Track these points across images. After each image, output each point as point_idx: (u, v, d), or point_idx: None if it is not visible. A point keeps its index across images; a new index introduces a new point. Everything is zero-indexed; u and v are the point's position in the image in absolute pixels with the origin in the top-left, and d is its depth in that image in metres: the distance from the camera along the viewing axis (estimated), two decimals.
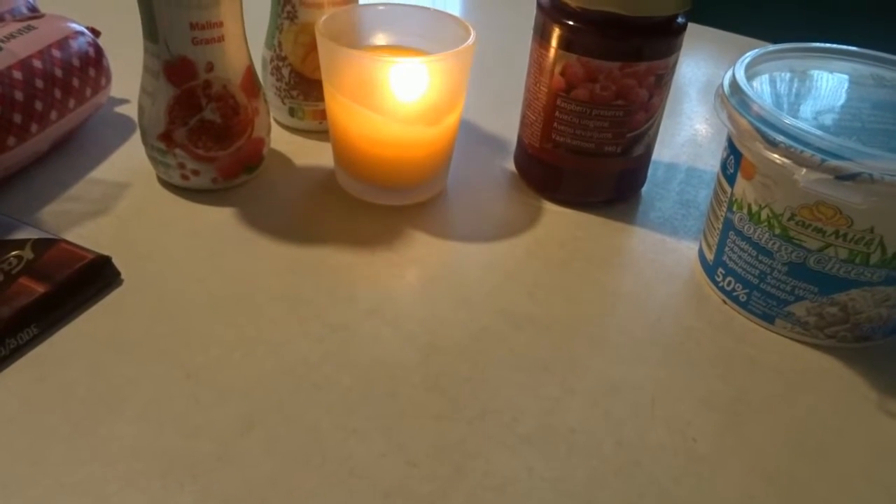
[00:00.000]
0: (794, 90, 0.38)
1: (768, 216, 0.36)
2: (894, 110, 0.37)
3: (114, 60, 0.50)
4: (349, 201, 0.45)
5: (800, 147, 0.32)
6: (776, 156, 0.33)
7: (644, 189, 0.49)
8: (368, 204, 0.45)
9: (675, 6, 0.40)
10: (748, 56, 0.39)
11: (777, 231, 0.35)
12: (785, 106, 0.37)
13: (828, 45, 0.41)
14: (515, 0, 0.52)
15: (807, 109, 0.36)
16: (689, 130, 0.57)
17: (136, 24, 0.41)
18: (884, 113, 0.37)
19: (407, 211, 0.45)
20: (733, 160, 0.37)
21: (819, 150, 0.32)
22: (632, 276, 0.42)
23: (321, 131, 0.50)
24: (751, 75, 0.38)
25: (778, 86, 0.38)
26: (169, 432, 0.31)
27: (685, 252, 0.43)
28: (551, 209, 0.46)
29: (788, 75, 0.39)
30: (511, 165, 0.50)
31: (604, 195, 0.46)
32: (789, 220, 0.35)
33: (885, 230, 0.33)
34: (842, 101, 0.38)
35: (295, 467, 0.30)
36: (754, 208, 0.36)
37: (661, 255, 0.43)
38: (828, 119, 0.36)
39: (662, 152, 0.53)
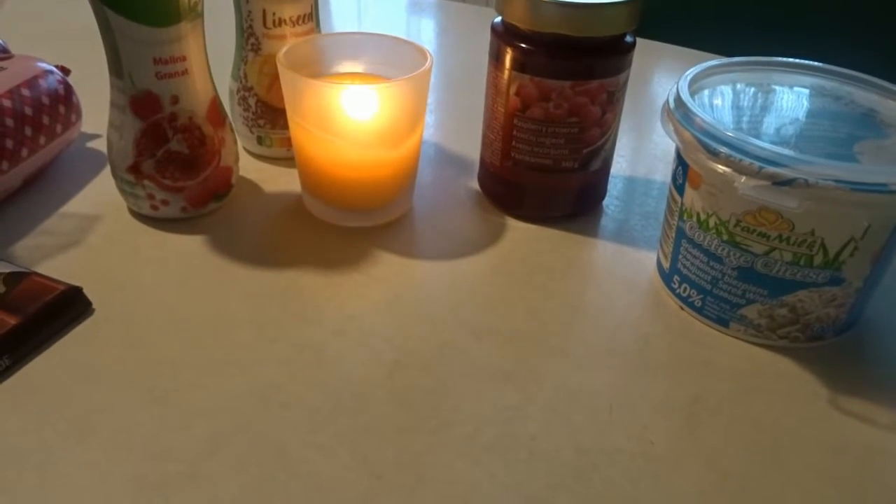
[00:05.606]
0: (738, 102, 0.40)
1: (716, 223, 0.37)
2: (831, 118, 0.38)
3: (87, 96, 0.52)
4: (317, 225, 0.46)
5: (739, 156, 0.34)
6: (718, 165, 0.35)
7: (605, 201, 0.50)
8: (336, 226, 0.46)
9: (620, 26, 0.42)
10: (691, 72, 0.40)
11: (725, 237, 0.37)
12: (730, 117, 0.38)
13: (770, 58, 0.43)
14: (482, 24, 0.53)
15: (749, 119, 0.38)
16: (650, 144, 0.59)
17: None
18: (822, 121, 0.38)
19: (373, 232, 0.46)
20: (681, 171, 0.39)
21: (757, 158, 0.34)
22: (592, 287, 0.43)
23: (289, 158, 0.52)
24: (696, 90, 0.40)
25: (724, 98, 0.40)
26: (139, 455, 0.32)
27: (644, 262, 0.45)
28: (514, 225, 0.47)
29: (729, 88, 0.41)
30: (475, 184, 0.51)
31: (564, 209, 0.48)
32: (735, 226, 0.36)
33: (824, 233, 0.34)
34: (783, 110, 0.39)
35: (262, 485, 0.31)
36: (703, 216, 0.38)
37: (621, 265, 0.44)
38: (769, 128, 0.37)
39: (624, 166, 0.55)
